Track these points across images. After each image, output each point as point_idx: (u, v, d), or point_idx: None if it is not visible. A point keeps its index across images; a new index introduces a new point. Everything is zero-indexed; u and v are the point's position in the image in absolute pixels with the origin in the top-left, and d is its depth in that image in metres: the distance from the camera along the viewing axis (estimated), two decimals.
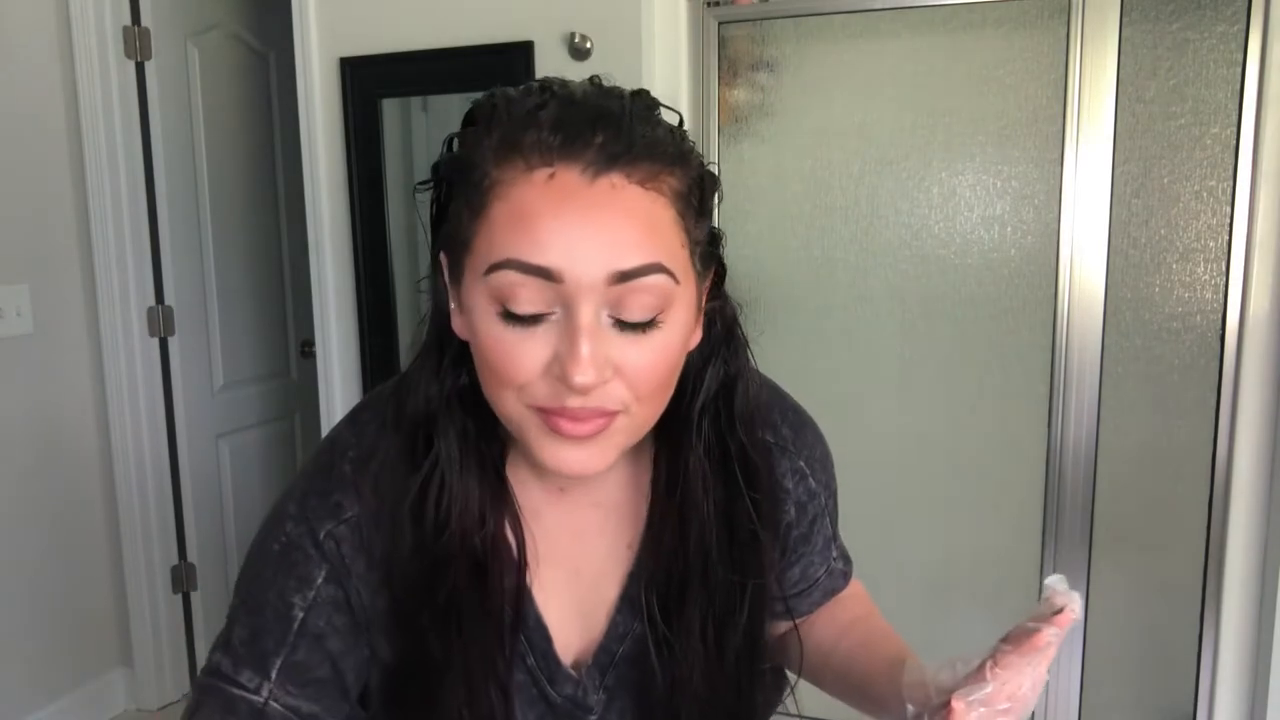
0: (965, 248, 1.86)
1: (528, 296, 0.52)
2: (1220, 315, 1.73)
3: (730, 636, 0.65)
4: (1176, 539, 1.82)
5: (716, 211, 0.63)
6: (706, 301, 0.61)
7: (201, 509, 2.62)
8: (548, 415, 0.54)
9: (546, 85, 0.56)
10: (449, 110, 2.11)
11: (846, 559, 0.81)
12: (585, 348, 0.51)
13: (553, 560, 0.66)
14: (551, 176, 0.51)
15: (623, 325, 0.53)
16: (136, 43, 2.34)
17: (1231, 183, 1.70)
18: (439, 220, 0.59)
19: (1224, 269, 1.72)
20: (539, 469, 0.63)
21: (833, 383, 1.97)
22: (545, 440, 0.55)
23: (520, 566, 0.63)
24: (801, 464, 0.72)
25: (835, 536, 0.79)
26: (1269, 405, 1.72)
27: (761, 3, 1.90)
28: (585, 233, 0.51)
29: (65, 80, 2.29)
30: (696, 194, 0.57)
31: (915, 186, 1.86)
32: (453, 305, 0.59)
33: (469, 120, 0.58)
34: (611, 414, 0.55)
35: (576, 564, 0.67)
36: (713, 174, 0.60)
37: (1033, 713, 1.93)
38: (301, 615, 0.63)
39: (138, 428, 2.43)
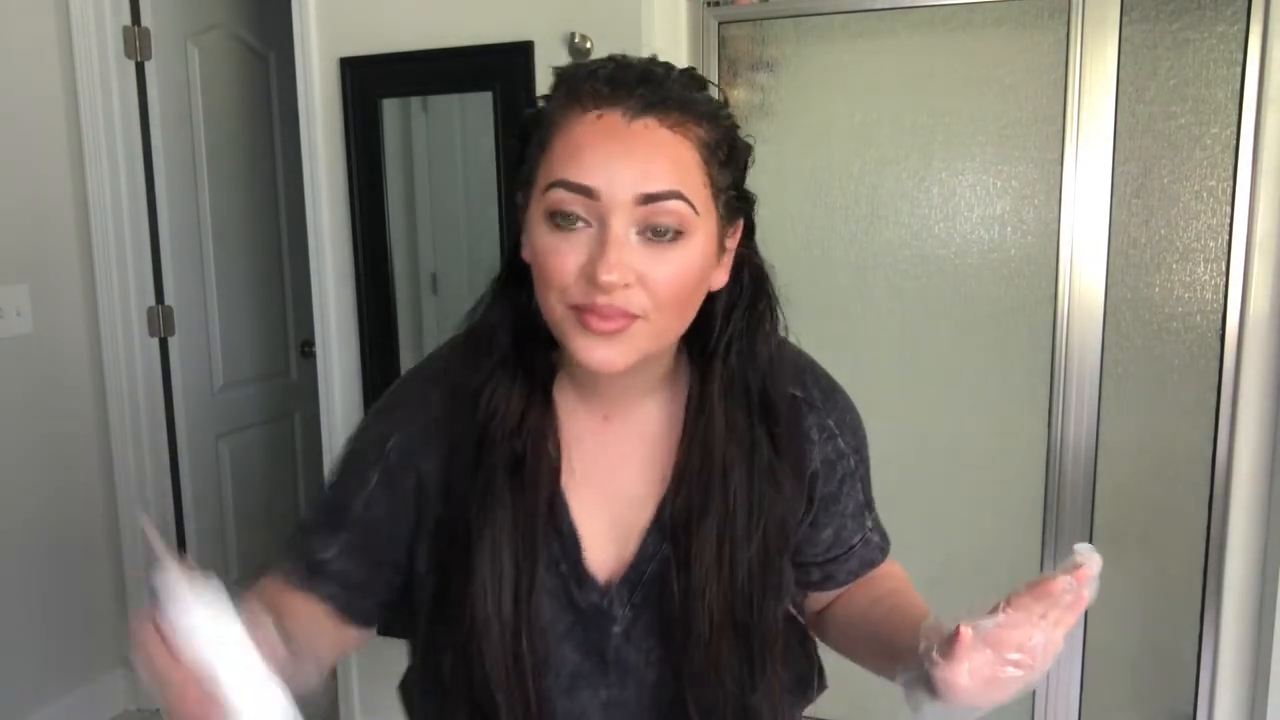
0: (965, 248, 1.86)
1: (571, 207, 0.63)
2: (1220, 315, 1.73)
3: (741, 556, 0.71)
4: (1176, 539, 1.82)
5: (749, 179, 0.73)
6: (734, 250, 0.71)
7: (201, 509, 2.62)
8: (580, 313, 0.64)
9: (612, 57, 0.68)
10: (449, 110, 2.11)
11: (884, 535, 0.87)
12: (613, 252, 0.62)
13: (591, 482, 0.74)
14: (599, 117, 0.64)
15: (647, 239, 0.63)
16: (136, 43, 2.34)
17: (1231, 183, 1.70)
18: (517, 165, 0.71)
19: (1224, 269, 1.72)
20: (586, 397, 0.74)
21: None
22: (579, 336, 0.65)
23: (555, 474, 0.72)
24: (830, 423, 0.79)
25: (870, 507, 0.85)
26: (1269, 405, 1.72)
27: (761, 3, 1.90)
28: (620, 162, 0.62)
29: (65, 80, 2.29)
30: (724, 149, 0.67)
31: (915, 186, 1.86)
32: (522, 236, 0.70)
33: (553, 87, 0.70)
34: (632, 316, 0.64)
35: (614, 488, 0.75)
36: (746, 141, 0.71)
37: (1033, 713, 1.93)
38: (358, 507, 0.76)
39: (138, 428, 2.43)
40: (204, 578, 0.57)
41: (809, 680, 0.87)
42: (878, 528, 0.86)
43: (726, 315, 0.73)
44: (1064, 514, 1.86)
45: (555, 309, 0.66)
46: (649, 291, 0.64)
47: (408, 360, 2.14)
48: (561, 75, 0.69)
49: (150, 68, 2.38)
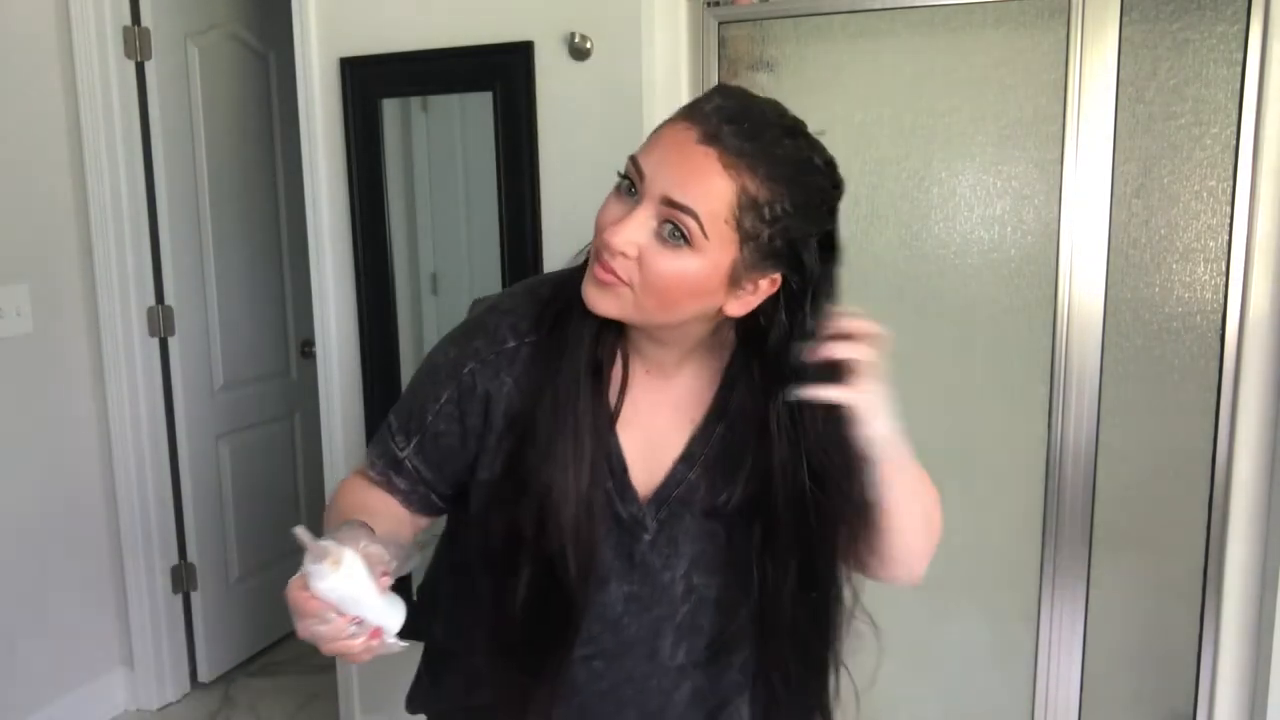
0: (965, 248, 1.86)
1: (630, 178, 0.77)
2: (1220, 315, 1.73)
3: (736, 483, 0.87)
4: (1176, 539, 1.82)
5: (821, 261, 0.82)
6: (762, 294, 0.80)
7: (201, 509, 2.62)
8: (597, 255, 0.78)
9: (744, 94, 0.81)
10: (449, 110, 2.11)
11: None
12: (628, 226, 0.75)
13: (634, 420, 0.89)
14: (685, 128, 0.75)
15: (661, 235, 0.75)
16: (136, 43, 2.34)
17: (1231, 183, 1.69)
18: None
19: (1224, 269, 1.72)
20: (636, 353, 0.89)
21: None
22: (589, 274, 0.80)
23: (623, 384, 0.88)
24: None
25: None
26: (1269, 405, 1.72)
27: (761, 3, 1.90)
28: (669, 166, 0.74)
29: (65, 80, 2.30)
30: (771, 210, 0.75)
31: (915, 186, 1.86)
32: None
33: None
34: (621, 280, 0.77)
35: (651, 427, 0.90)
36: (809, 217, 0.78)
37: (1033, 712, 1.93)
38: (430, 418, 0.90)
39: (138, 428, 2.43)
40: (339, 552, 0.70)
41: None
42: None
43: (778, 344, 0.83)
44: (1064, 514, 1.86)
45: (593, 246, 0.80)
46: (641, 272, 0.76)
47: (408, 360, 2.14)
48: (711, 89, 0.83)
49: (150, 68, 2.38)
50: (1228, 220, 1.71)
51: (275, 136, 2.82)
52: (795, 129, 0.79)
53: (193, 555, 2.60)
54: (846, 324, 0.81)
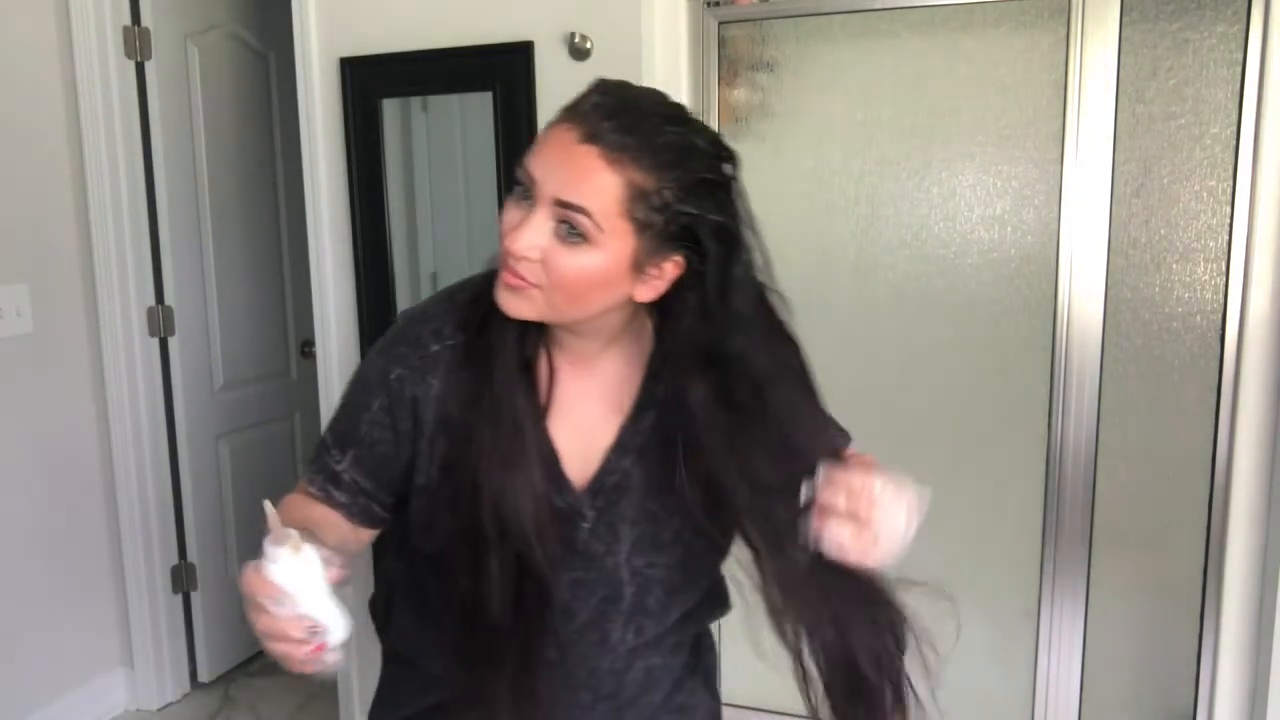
0: (965, 248, 1.86)
1: (522, 183, 0.79)
2: (1220, 315, 1.73)
3: (675, 468, 0.88)
4: (1176, 539, 1.82)
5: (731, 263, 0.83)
6: (669, 277, 0.83)
7: (201, 509, 2.62)
8: (504, 264, 0.81)
9: (622, 86, 0.82)
10: (449, 110, 2.11)
11: (837, 425, 1.09)
12: (525, 230, 0.78)
13: (563, 412, 0.91)
14: (566, 129, 0.78)
15: (559, 234, 0.78)
16: (136, 43, 2.34)
17: (1231, 183, 1.69)
18: None
19: (1224, 269, 1.72)
20: (559, 346, 0.90)
21: (832, 382, 1.96)
22: (499, 279, 0.82)
23: (551, 377, 0.90)
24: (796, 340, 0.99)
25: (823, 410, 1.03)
26: (1269, 405, 1.72)
27: (761, 3, 1.90)
28: (555, 168, 0.77)
29: (65, 80, 2.30)
30: (660, 196, 0.77)
31: (915, 186, 1.86)
32: None
33: None
34: (529, 283, 0.80)
35: (579, 417, 0.92)
36: (700, 199, 0.80)
37: (1033, 712, 1.93)
38: (364, 429, 0.92)
39: (138, 428, 2.43)
40: (299, 539, 0.71)
41: (723, 596, 1.06)
42: (832, 422, 1.08)
43: (689, 325, 0.85)
44: (1064, 514, 1.86)
45: (501, 255, 0.82)
46: (547, 272, 0.79)
47: None
48: (589, 86, 0.83)
49: (150, 68, 2.38)
50: (1228, 220, 1.71)
51: (275, 136, 2.82)
52: (675, 115, 0.81)
53: (193, 555, 2.60)
54: (842, 486, 0.78)
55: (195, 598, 2.62)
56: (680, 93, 1.94)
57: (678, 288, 0.83)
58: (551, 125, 0.80)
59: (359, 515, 0.94)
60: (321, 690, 2.59)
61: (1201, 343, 1.75)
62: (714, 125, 1.95)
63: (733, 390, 0.84)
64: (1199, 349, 1.76)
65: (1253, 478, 1.74)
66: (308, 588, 0.71)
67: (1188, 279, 1.75)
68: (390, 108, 2.04)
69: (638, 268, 0.81)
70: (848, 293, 1.93)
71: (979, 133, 1.81)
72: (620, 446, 0.92)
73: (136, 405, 2.42)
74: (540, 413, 0.89)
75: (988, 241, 1.84)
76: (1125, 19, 1.70)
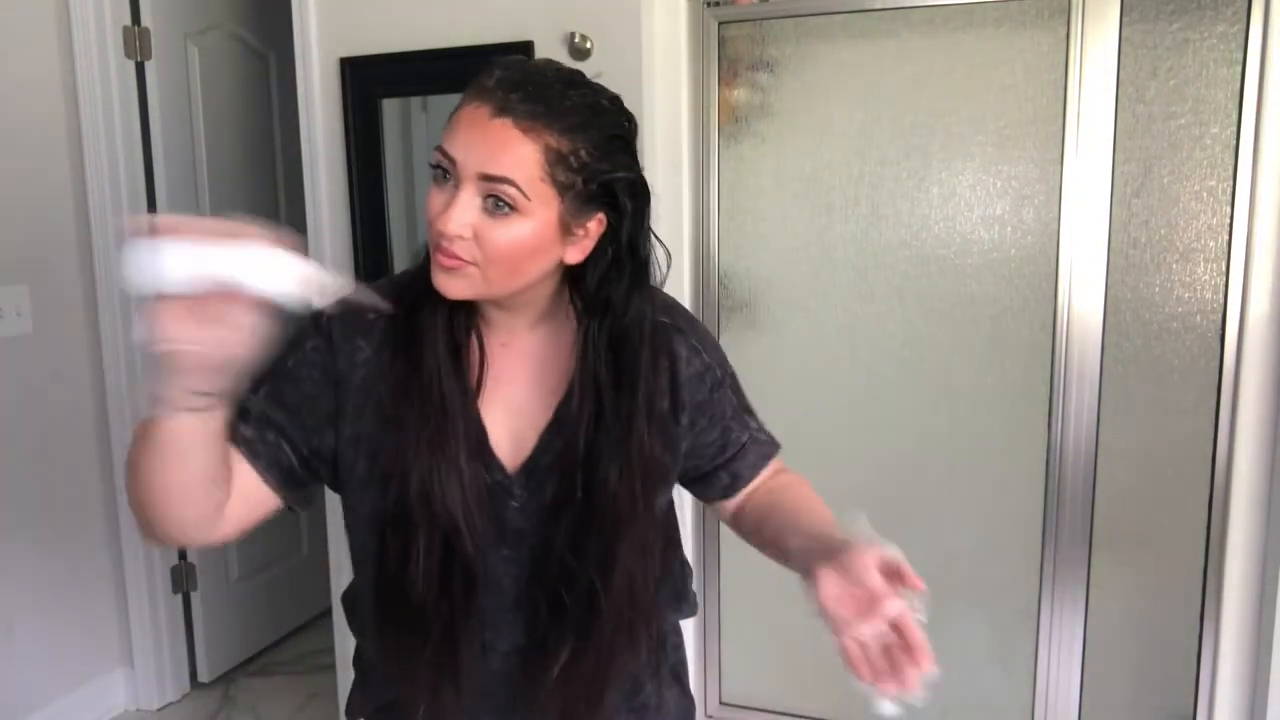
0: (965, 248, 1.86)
1: (442, 167, 0.82)
2: (1220, 315, 1.73)
3: (611, 447, 0.89)
4: (1176, 539, 1.82)
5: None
6: (594, 236, 0.86)
7: None
8: (435, 247, 0.82)
9: (530, 60, 0.86)
10: (449, 110, 2.10)
11: (771, 437, 1.05)
12: (454, 210, 0.80)
13: (494, 394, 0.92)
14: (476, 107, 0.81)
15: (488, 208, 0.80)
16: (136, 43, 2.34)
17: (1231, 183, 1.70)
18: None
19: (1224, 269, 1.72)
20: (488, 327, 0.93)
21: (832, 382, 1.97)
22: (433, 266, 0.83)
23: (481, 360, 0.91)
24: (694, 343, 0.97)
25: (749, 412, 1.04)
26: (1269, 405, 1.72)
27: (761, 3, 1.90)
28: (474, 146, 0.80)
29: (65, 80, 2.30)
30: (576, 157, 0.81)
31: (915, 186, 1.86)
32: None
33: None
34: (465, 262, 0.82)
35: (511, 398, 0.93)
36: (612, 156, 0.84)
37: (1033, 713, 1.93)
38: (290, 364, 0.90)
39: None
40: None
41: (682, 593, 1.08)
42: (763, 430, 1.05)
43: (600, 277, 0.89)
44: (1064, 514, 1.86)
45: (430, 241, 0.84)
46: (481, 247, 0.81)
47: None
48: (485, 64, 0.86)
49: (150, 68, 2.38)
50: (1228, 220, 1.71)
51: (275, 136, 2.82)
52: (575, 79, 0.84)
53: (193, 555, 2.60)
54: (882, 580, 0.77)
55: (195, 598, 2.62)
56: (680, 93, 1.94)
57: (598, 246, 0.87)
58: (461, 106, 0.83)
59: (264, 457, 0.88)
60: (321, 690, 2.59)
61: (1201, 343, 1.75)
62: (714, 125, 1.95)
63: (623, 345, 0.88)
64: (1199, 349, 1.76)
65: (1253, 478, 1.74)
66: (218, 259, 0.63)
67: (1188, 279, 1.75)
68: (390, 108, 2.04)
69: (565, 230, 0.84)
70: (848, 293, 1.93)
71: (979, 133, 1.81)
72: (555, 426, 0.92)
73: (136, 405, 2.42)
74: (471, 394, 0.90)
75: (988, 241, 1.84)
76: (1125, 19, 1.70)
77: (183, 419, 0.73)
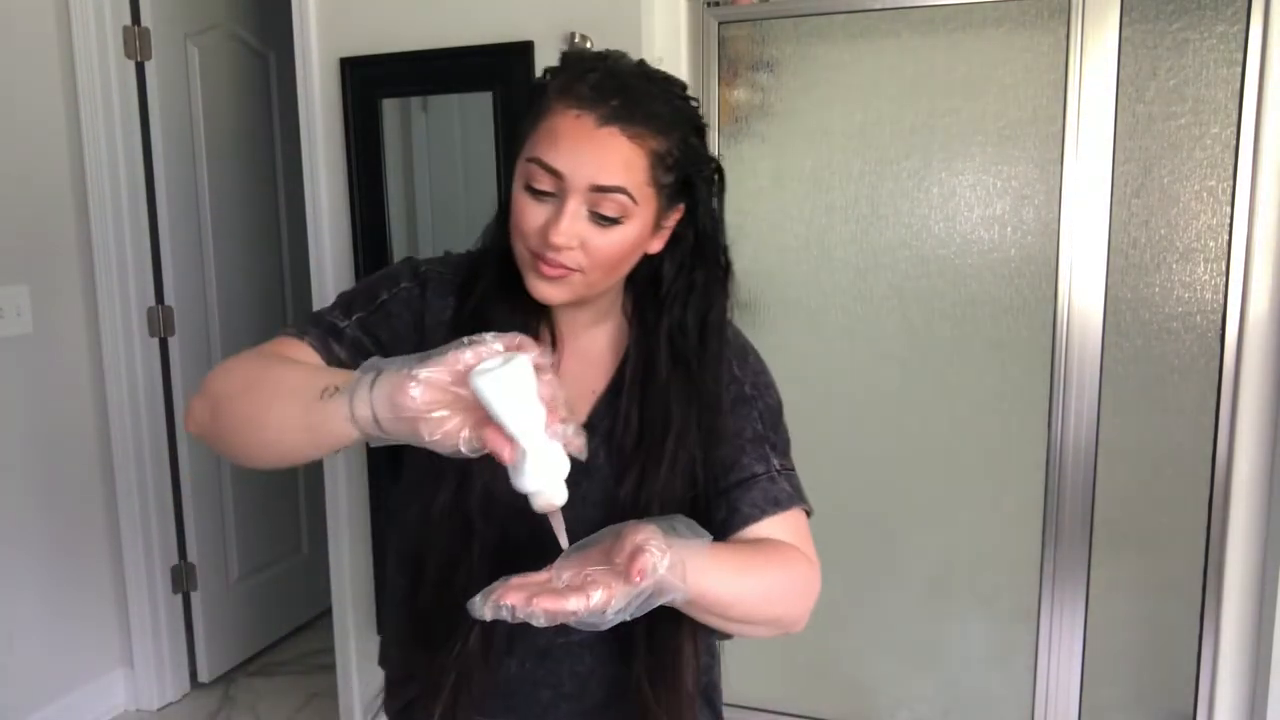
0: (965, 248, 1.86)
1: (542, 181, 0.81)
2: (1220, 315, 1.73)
3: (666, 449, 0.87)
4: (1176, 539, 1.82)
5: (718, 200, 0.91)
6: (673, 226, 0.88)
7: (201, 509, 2.62)
8: (536, 258, 0.82)
9: (606, 55, 0.84)
10: (449, 110, 2.11)
11: (798, 491, 0.93)
12: (565, 222, 0.80)
13: None
14: (578, 116, 0.79)
15: (594, 217, 0.81)
16: (136, 43, 2.34)
17: (1231, 183, 1.69)
18: (526, 128, 0.86)
19: (1224, 269, 1.72)
20: (555, 325, 0.92)
21: (832, 382, 1.97)
22: (532, 274, 0.84)
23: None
24: (729, 355, 0.95)
25: (776, 450, 0.94)
26: (1269, 405, 1.72)
27: (761, 3, 1.90)
28: (583, 157, 0.79)
29: (65, 80, 2.30)
30: (673, 156, 0.82)
31: (915, 186, 1.86)
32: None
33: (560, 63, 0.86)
34: (571, 270, 0.82)
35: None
36: (694, 149, 0.85)
37: (1033, 713, 1.93)
38: (385, 298, 0.92)
39: (138, 428, 2.43)
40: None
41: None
42: (790, 478, 0.93)
43: (674, 275, 0.90)
44: (1064, 514, 1.86)
45: (520, 251, 0.84)
46: (588, 255, 0.82)
47: None
48: (564, 63, 0.84)
49: (150, 68, 2.38)
50: (1228, 220, 1.71)
51: (275, 136, 2.82)
52: (653, 73, 0.84)
53: (193, 555, 2.60)
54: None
55: (195, 598, 2.62)
56: None
57: (673, 235, 0.89)
58: (554, 114, 0.80)
59: None
60: (321, 690, 2.59)
61: (1201, 343, 1.75)
62: (714, 125, 1.95)
63: (684, 338, 0.88)
64: (1199, 349, 1.76)
65: (1253, 478, 1.74)
66: (507, 390, 0.61)
67: (1188, 279, 1.75)
68: (390, 108, 2.04)
69: (656, 225, 0.86)
70: (848, 293, 1.93)
71: (979, 133, 1.81)
72: (590, 427, 0.90)
73: (136, 405, 2.42)
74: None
75: (988, 241, 1.84)
76: (1125, 19, 1.70)
77: (344, 428, 0.67)
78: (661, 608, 0.77)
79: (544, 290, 0.84)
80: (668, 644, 0.87)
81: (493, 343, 0.64)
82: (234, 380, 0.80)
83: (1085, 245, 1.78)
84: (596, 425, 0.91)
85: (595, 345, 0.94)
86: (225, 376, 0.82)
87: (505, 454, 0.64)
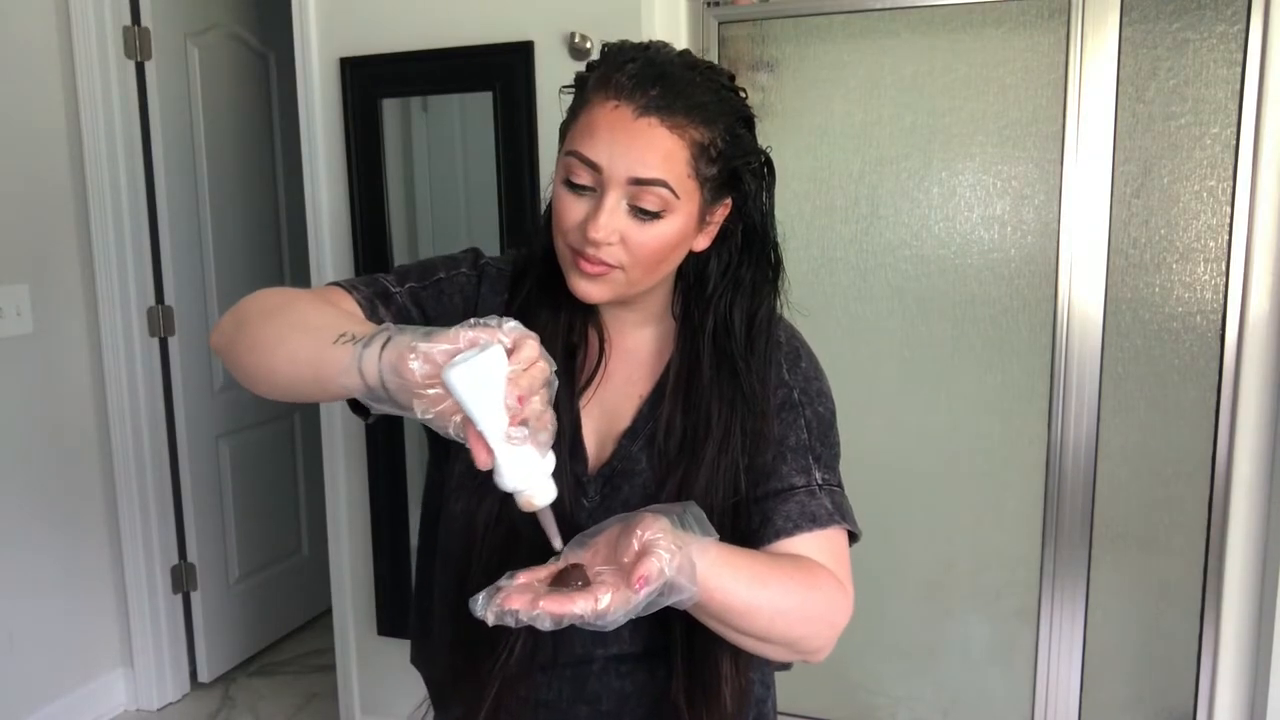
0: (965, 248, 1.86)
1: (580, 175, 0.78)
2: (1220, 315, 1.73)
3: (708, 455, 0.85)
4: (1176, 539, 1.82)
5: (768, 194, 0.87)
6: (720, 221, 0.85)
7: (201, 509, 2.62)
8: (575, 254, 0.80)
9: (648, 45, 0.81)
10: (449, 110, 2.11)
11: (840, 507, 0.86)
12: (604, 217, 0.77)
13: (594, 394, 0.90)
14: (616, 107, 0.77)
15: (634, 211, 0.78)
16: (136, 43, 2.34)
17: (1231, 183, 1.70)
18: (566, 122, 0.84)
19: (1224, 269, 1.72)
20: (601, 325, 0.91)
21: (832, 382, 1.97)
22: (572, 271, 0.81)
23: (594, 376, 0.89)
24: (780, 358, 0.92)
25: (821, 464, 0.89)
26: (1269, 405, 1.72)
27: (761, 3, 1.90)
28: (622, 149, 0.76)
29: (65, 80, 2.30)
30: (716, 147, 0.79)
31: (915, 186, 1.86)
32: None
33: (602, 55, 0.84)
34: (612, 267, 0.80)
35: (603, 397, 0.91)
36: (744, 136, 0.82)
37: (1033, 712, 1.93)
38: (441, 276, 0.91)
39: (138, 428, 2.43)
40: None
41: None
42: (833, 496, 0.87)
43: (720, 273, 0.88)
44: (1064, 514, 1.86)
45: (560, 247, 0.82)
46: (629, 251, 0.79)
47: None
48: (604, 55, 0.82)
49: (150, 68, 2.38)
50: (1228, 220, 1.71)
51: (275, 136, 2.82)
52: (696, 62, 0.81)
53: (193, 555, 2.60)
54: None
55: (195, 598, 2.62)
56: None
57: (720, 231, 0.86)
58: (592, 106, 0.78)
59: None
60: (321, 690, 2.59)
61: (1201, 343, 1.75)
62: None
63: (730, 338, 0.85)
64: (1199, 349, 1.76)
65: (1253, 478, 1.74)
66: (478, 386, 0.58)
67: (1188, 279, 1.75)
68: (390, 108, 2.04)
69: (701, 219, 0.83)
70: (848, 293, 1.93)
71: (979, 133, 1.81)
72: (633, 431, 0.89)
73: (136, 405, 2.42)
74: (574, 396, 0.88)
75: (988, 241, 1.84)
76: (1125, 19, 1.70)
77: (349, 378, 0.65)
78: (702, 628, 0.78)
79: (585, 288, 0.81)
80: (706, 663, 0.84)
81: (501, 326, 0.61)
82: (265, 303, 0.78)
83: (1085, 245, 1.78)
84: (639, 429, 0.88)
85: (643, 347, 0.92)
86: (260, 299, 0.80)
87: (480, 457, 0.61)
